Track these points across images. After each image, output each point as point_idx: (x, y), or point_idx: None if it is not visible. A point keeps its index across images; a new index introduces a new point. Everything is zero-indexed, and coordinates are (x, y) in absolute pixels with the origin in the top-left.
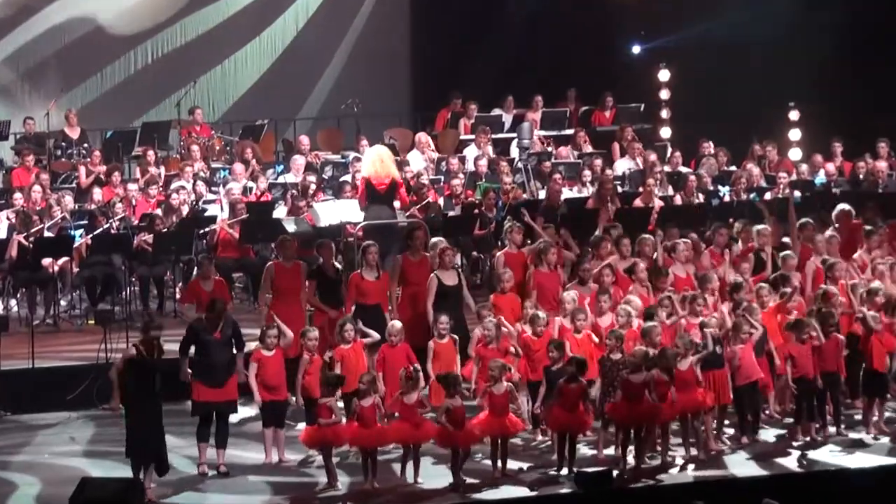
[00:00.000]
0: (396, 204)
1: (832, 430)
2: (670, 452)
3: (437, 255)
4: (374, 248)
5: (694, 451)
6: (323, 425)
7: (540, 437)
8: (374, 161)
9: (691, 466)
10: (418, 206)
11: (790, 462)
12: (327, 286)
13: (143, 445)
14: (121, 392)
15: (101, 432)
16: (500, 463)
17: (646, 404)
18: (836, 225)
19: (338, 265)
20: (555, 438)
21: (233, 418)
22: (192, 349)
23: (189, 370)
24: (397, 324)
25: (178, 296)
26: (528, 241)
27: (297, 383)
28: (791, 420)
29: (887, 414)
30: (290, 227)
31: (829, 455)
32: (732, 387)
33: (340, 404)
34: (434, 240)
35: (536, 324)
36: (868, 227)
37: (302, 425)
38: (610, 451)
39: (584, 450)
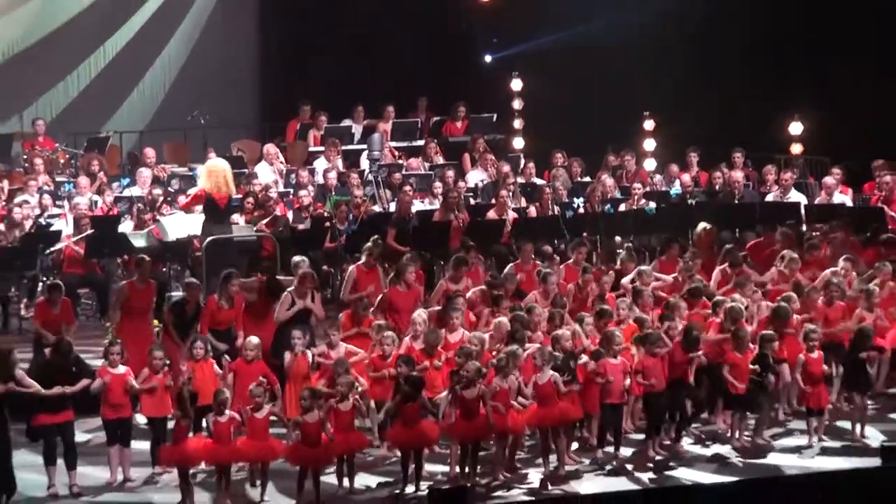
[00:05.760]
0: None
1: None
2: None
3: (298, 280)
4: (237, 281)
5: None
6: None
7: (384, 452)
8: (218, 178)
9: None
10: (266, 221)
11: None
12: (185, 323)
13: None
14: None
15: None
16: (346, 480)
17: (482, 419)
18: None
19: (202, 303)
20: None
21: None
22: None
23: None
24: (254, 339)
25: (23, 311)
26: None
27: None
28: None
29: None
30: (138, 241)
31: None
32: (600, 403)
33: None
34: (296, 259)
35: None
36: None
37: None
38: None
39: (435, 467)
